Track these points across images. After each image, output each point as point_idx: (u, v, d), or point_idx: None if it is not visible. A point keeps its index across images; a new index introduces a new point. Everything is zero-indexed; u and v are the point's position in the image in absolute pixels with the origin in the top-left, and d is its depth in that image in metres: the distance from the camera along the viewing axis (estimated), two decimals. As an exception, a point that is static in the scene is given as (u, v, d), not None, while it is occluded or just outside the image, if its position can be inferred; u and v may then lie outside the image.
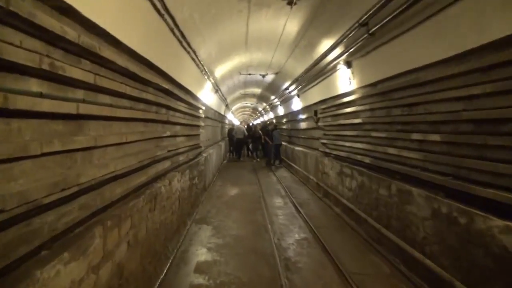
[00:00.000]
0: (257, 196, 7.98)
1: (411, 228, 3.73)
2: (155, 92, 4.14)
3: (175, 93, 4.99)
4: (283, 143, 15.43)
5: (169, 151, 4.56)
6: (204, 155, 8.51)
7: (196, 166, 7.01)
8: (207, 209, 6.81)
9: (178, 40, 4.59)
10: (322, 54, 6.00)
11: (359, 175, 5.38)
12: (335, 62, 5.98)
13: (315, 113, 9.08)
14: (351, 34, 4.71)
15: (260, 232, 5.37)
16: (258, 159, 15.73)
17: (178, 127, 5.67)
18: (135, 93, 3.32)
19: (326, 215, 6.43)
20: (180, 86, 5.44)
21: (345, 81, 6.05)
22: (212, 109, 11.01)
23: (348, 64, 5.62)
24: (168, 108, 4.77)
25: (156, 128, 4.24)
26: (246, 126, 18.26)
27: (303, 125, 11.25)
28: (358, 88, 5.62)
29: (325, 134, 7.96)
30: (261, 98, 18.20)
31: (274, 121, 20.31)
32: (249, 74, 10.43)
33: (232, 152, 17.36)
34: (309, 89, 9.21)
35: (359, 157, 5.53)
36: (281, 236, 5.17)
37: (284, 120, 15.73)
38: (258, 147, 15.93)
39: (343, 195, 6.32)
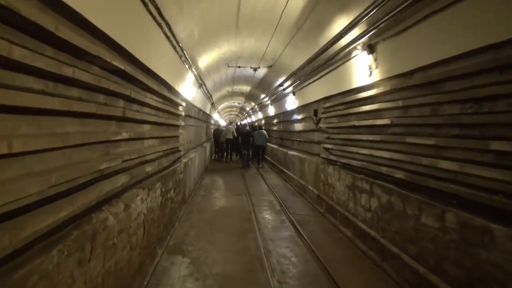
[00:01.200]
0: (247, 211, 6.63)
1: (491, 285, 2.45)
2: (104, 74, 2.76)
3: (140, 79, 3.62)
4: (273, 146, 14.14)
5: (126, 160, 3.17)
6: (184, 160, 7.12)
7: (173, 176, 5.63)
8: (185, 230, 5.42)
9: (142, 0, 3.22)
10: (335, 36, 4.71)
11: (384, 193, 4.10)
12: (350, 47, 4.70)
13: (315, 112, 7.81)
14: (381, 5, 3.43)
15: (253, 268, 4.02)
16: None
17: (146, 127, 4.29)
18: (54, 67, 1.94)
19: (335, 239, 5.13)
20: (148, 71, 4.06)
21: (363, 72, 4.77)
22: (195, 106, 9.62)
23: (370, 48, 4.34)
24: (128, 99, 3.39)
25: (104, 128, 2.85)
26: (235, 126, 17.35)
27: (298, 126, 9.97)
28: (382, 80, 4.34)
29: (329, 138, 6.68)
30: (250, 97, 16.88)
31: (263, 121, 19.07)
32: (239, 67, 9.08)
33: (217, 153, 17.00)
34: (308, 84, 7.93)
35: (383, 169, 4.24)
36: (282, 277, 3.83)
37: (275, 121, 14.44)
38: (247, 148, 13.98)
39: (356, 214, 5.04)
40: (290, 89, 9.57)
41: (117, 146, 3.14)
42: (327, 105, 6.77)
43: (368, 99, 4.87)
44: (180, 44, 4.96)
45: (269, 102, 13.98)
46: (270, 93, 11.84)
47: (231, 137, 14.90)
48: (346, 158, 5.69)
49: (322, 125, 7.15)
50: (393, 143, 4.07)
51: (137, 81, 3.55)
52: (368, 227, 4.57)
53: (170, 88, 5.79)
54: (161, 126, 5.29)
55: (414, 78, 3.70)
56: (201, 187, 9.18)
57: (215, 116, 20.90)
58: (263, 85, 12.13)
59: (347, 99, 5.55)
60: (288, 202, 7.42)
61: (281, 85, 9.50)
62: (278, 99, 12.08)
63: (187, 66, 6.28)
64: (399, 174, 3.85)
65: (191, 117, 8.93)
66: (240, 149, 14.48)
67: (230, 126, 16.79)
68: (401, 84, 3.88)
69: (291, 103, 10.15)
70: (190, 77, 7.12)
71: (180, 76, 6.23)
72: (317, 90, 7.36)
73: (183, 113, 7.00)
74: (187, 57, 5.92)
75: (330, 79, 6.27)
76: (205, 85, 9.28)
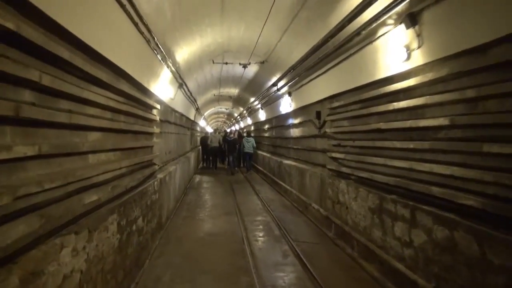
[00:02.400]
0: (239, 239, 5.29)
1: None
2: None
3: (76, 64, 2.30)
4: (265, 154, 12.87)
5: (28, 195, 1.81)
6: (161, 175, 5.76)
7: (141, 199, 4.28)
8: (157, 273, 4.05)
9: None
10: (355, 8, 3.46)
11: (440, 225, 2.83)
12: (377, 22, 3.45)
13: (318, 115, 6.55)
14: None
15: None
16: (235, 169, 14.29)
17: (92, 136, 2.95)
18: None
19: (357, 282, 3.83)
20: (92, 53, 2.72)
21: (394, 55, 3.54)
22: (176, 111, 8.27)
23: (411, 19, 3.08)
24: (36, 89, 2.04)
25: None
26: (223, 133, 17.12)
27: (295, 132, 8.70)
28: (428, 64, 3.09)
29: (338, 145, 5.43)
30: (238, 101, 15.59)
31: (252, 128, 17.81)
32: (226, 64, 7.76)
33: (205, 161, 16.53)
34: (309, 82, 6.68)
35: (435, 190, 2.98)
36: None
37: (267, 126, 13.17)
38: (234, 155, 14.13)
39: (385, 247, 3.76)
40: (285, 89, 8.31)
41: (9, 170, 1.78)
42: (335, 104, 5.52)
43: (401, 93, 3.62)
44: (145, 21, 3.63)
45: (259, 106, 12.72)
46: (261, 96, 10.56)
47: (216, 145, 14.61)
48: (366, 171, 4.42)
49: (328, 129, 5.89)
50: (454, 153, 2.80)
51: (62, 62, 2.21)
52: (409, 270, 3.28)
53: (137, 85, 4.46)
54: (124, 134, 3.94)
55: (489, 55, 2.45)
56: (183, 205, 7.79)
57: (202, 123, 19.54)
58: (253, 86, 10.86)
59: (366, 95, 4.30)
60: (287, 224, 6.10)
61: (274, 84, 8.23)
62: (270, 101, 10.81)
63: (159, 57, 4.95)
64: (469, 200, 2.58)
65: (170, 123, 7.58)
66: (226, 157, 14.41)
67: (216, 134, 16.70)
68: (466, 66, 2.63)
69: (286, 105, 8.89)
70: (165, 74, 5.79)
71: (151, 69, 4.90)
72: (321, 87, 6.11)
73: (158, 118, 5.66)
74: (159, 44, 4.60)
75: (341, 71, 5.02)
76: (186, 85, 7.94)
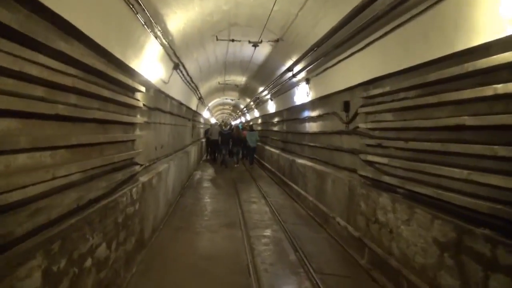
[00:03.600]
0: (243, 267, 3.99)
1: None
2: None
3: None
4: (273, 150, 11.58)
5: None
6: (145, 178, 4.49)
7: (109, 215, 3.02)
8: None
9: None
10: None
11: None
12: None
13: (346, 106, 5.21)
14: None
15: None
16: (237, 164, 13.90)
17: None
18: None
19: None
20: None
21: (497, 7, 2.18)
22: (172, 98, 6.97)
23: None
24: None
25: None
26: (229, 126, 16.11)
27: (312, 126, 7.35)
28: None
29: (377, 146, 4.09)
30: (245, 91, 14.24)
31: (259, 121, 16.51)
32: (232, 41, 6.39)
33: (210, 154, 15.62)
34: (335, 65, 5.34)
35: None
36: None
37: (276, 119, 11.83)
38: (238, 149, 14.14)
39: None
40: (303, 75, 6.95)
41: None
42: (373, 92, 4.18)
43: (507, 69, 2.28)
44: None
45: (268, 96, 11.38)
46: (272, 84, 9.19)
47: (216, 137, 13.87)
48: (426, 185, 3.09)
49: (361, 124, 4.54)
50: None
51: None
52: None
53: (106, 55, 3.15)
54: (77, 123, 2.65)
55: None
56: (177, 210, 6.51)
57: (205, 114, 18.22)
58: (263, 73, 9.50)
59: (436, 76, 2.94)
60: (305, 243, 4.80)
61: (289, 69, 6.87)
62: (282, 91, 9.45)
63: (142, 20, 3.63)
64: None
65: (163, 111, 6.27)
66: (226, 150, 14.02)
67: (217, 126, 15.91)
68: None
69: (302, 95, 7.54)
70: (153, 46, 4.48)
71: (128, 36, 3.58)
72: (353, 70, 4.76)
73: (141, 104, 4.36)
74: (140, 1, 3.29)
75: (390, 44, 3.66)
76: (184, 67, 6.61)
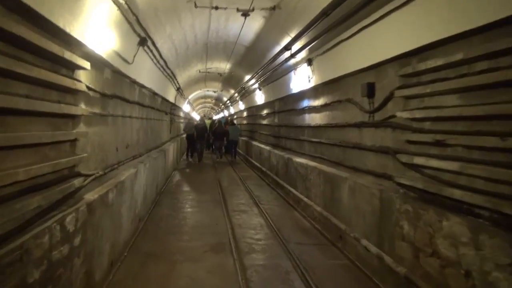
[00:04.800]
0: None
1: None
2: None
3: None
4: (263, 146, 10.28)
5: None
6: (92, 196, 3.09)
7: (10, 277, 1.61)
8: None
9: None
10: None
11: None
12: None
13: (370, 90, 3.92)
14: None
15: None
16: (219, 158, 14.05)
17: None
18: None
19: None
20: None
21: None
22: (140, 85, 5.54)
23: None
24: None
25: None
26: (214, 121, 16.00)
27: (315, 118, 6.06)
28: None
29: (430, 144, 2.83)
30: (229, 81, 12.84)
31: (245, 113, 15.19)
32: (215, 8, 4.91)
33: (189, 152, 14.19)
34: (351, 36, 4.05)
35: None
36: None
37: (265, 111, 10.53)
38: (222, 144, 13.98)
39: None
40: (303, 54, 5.64)
41: None
42: (423, 66, 2.90)
43: None
44: None
45: (256, 86, 10.03)
46: (262, 70, 7.82)
47: (192, 132, 13.30)
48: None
49: (399, 113, 3.26)
50: None
51: None
52: None
53: (22, 9, 1.74)
54: None
55: None
56: (148, 228, 5.11)
57: (186, 108, 16.69)
58: (252, 57, 8.13)
59: None
60: (321, 277, 3.52)
61: (287, 47, 5.52)
62: (273, 78, 8.11)
63: None
64: None
65: (128, 101, 4.83)
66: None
67: (191, 121, 16.05)
68: None
69: (301, 80, 6.24)
70: (104, 5, 3.05)
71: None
72: (383, 39, 3.47)
73: (85, 87, 2.95)
74: None
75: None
76: (154, 44, 5.17)
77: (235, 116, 19.12)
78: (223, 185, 8.45)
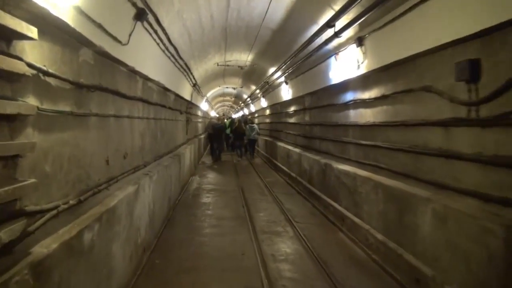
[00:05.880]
0: None
1: None
2: None
3: None
4: (291, 148, 9.01)
5: None
6: (45, 248, 1.90)
7: None
8: None
9: None
10: None
11: None
12: None
13: (472, 71, 2.62)
14: None
15: None
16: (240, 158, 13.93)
17: None
18: None
19: None
20: None
21: None
22: (144, 76, 4.39)
23: None
24: None
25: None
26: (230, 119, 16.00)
27: (366, 115, 4.75)
28: None
29: None
30: (250, 75, 11.63)
31: (267, 111, 13.99)
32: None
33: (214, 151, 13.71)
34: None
35: None
36: None
37: (293, 109, 9.28)
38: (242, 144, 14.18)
39: None
40: (350, 32, 4.35)
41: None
42: None
43: None
44: None
45: (282, 79, 8.78)
46: (291, 60, 6.56)
47: (211, 131, 13.24)
48: None
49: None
50: None
51: None
52: None
53: None
54: None
55: None
56: (155, 266, 3.94)
57: (203, 107, 15.59)
58: (279, 44, 6.88)
59: None
60: None
61: (329, 24, 4.25)
62: (303, 69, 6.84)
63: None
64: None
65: (125, 96, 3.66)
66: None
67: (213, 120, 16.20)
68: None
69: (345, 67, 4.94)
70: None
71: None
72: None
73: (26, 69, 1.76)
74: None
75: None
76: (159, 23, 4.00)
77: (256, 115, 17.95)
78: (247, 195, 7.23)
